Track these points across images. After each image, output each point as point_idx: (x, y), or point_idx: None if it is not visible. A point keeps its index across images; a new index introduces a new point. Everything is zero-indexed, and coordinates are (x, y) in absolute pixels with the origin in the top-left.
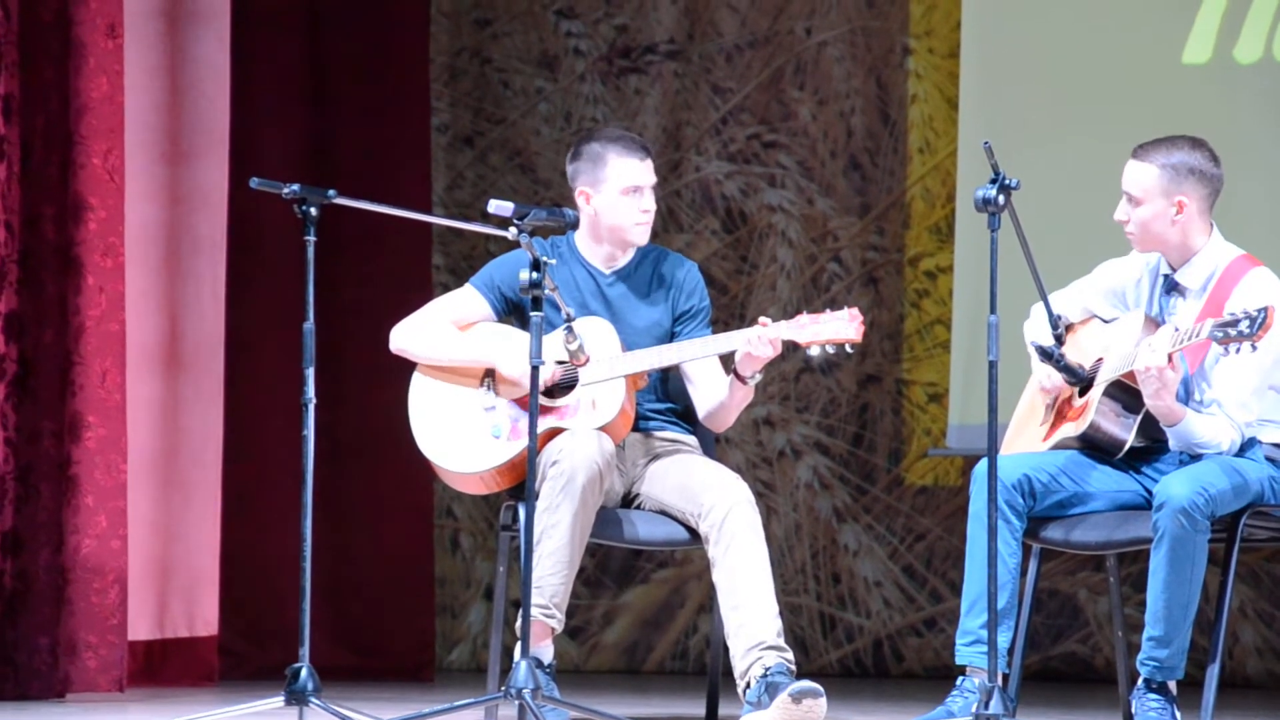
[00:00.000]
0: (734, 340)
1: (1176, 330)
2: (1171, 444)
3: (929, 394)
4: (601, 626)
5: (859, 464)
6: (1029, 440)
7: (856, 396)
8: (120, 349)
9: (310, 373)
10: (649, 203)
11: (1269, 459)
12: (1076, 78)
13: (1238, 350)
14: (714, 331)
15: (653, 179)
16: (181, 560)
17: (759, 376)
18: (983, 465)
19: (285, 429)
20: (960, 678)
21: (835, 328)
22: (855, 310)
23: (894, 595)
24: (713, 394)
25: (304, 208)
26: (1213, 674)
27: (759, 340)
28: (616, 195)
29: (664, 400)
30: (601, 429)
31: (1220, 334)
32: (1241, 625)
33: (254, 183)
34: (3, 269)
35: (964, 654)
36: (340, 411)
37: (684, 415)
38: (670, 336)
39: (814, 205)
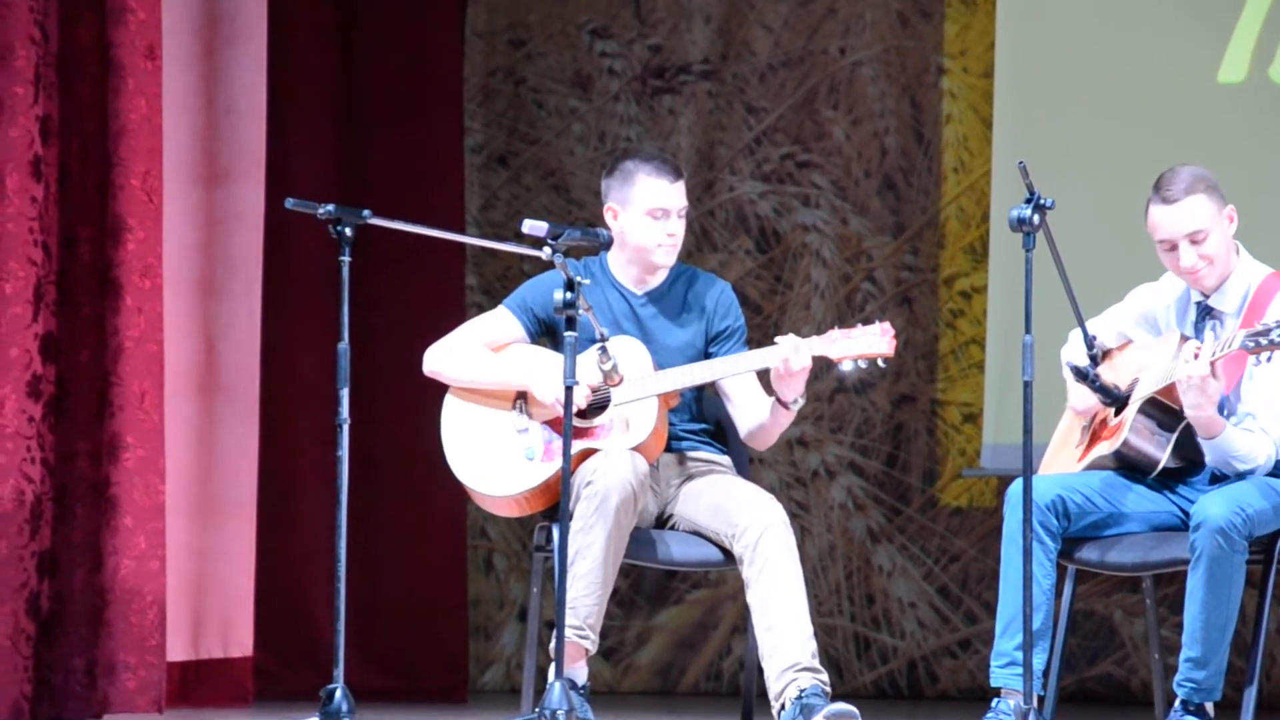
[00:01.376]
0: (766, 357)
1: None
2: (1208, 458)
3: (964, 414)
4: (635, 647)
5: (893, 484)
6: (1064, 462)
7: (891, 416)
8: (159, 370)
9: (345, 393)
10: (675, 226)
11: None
12: (1111, 97)
13: (1269, 359)
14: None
15: (682, 203)
16: (216, 581)
17: (801, 401)
18: (1017, 486)
19: (320, 449)
20: (995, 700)
21: (867, 342)
22: (887, 325)
23: (928, 616)
24: (753, 413)
25: (339, 228)
26: (1250, 696)
27: (792, 349)
28: (642, 215)
29: (698, 420)
30: (635, 449)
31: (1252, 343)
32: (1279, 647)
33: (289, 203)
34: (40, 290)
35: (998, 676)
36: (374, 432)
37: (717, 435)
38: (704, 357)
39: (848, 225)
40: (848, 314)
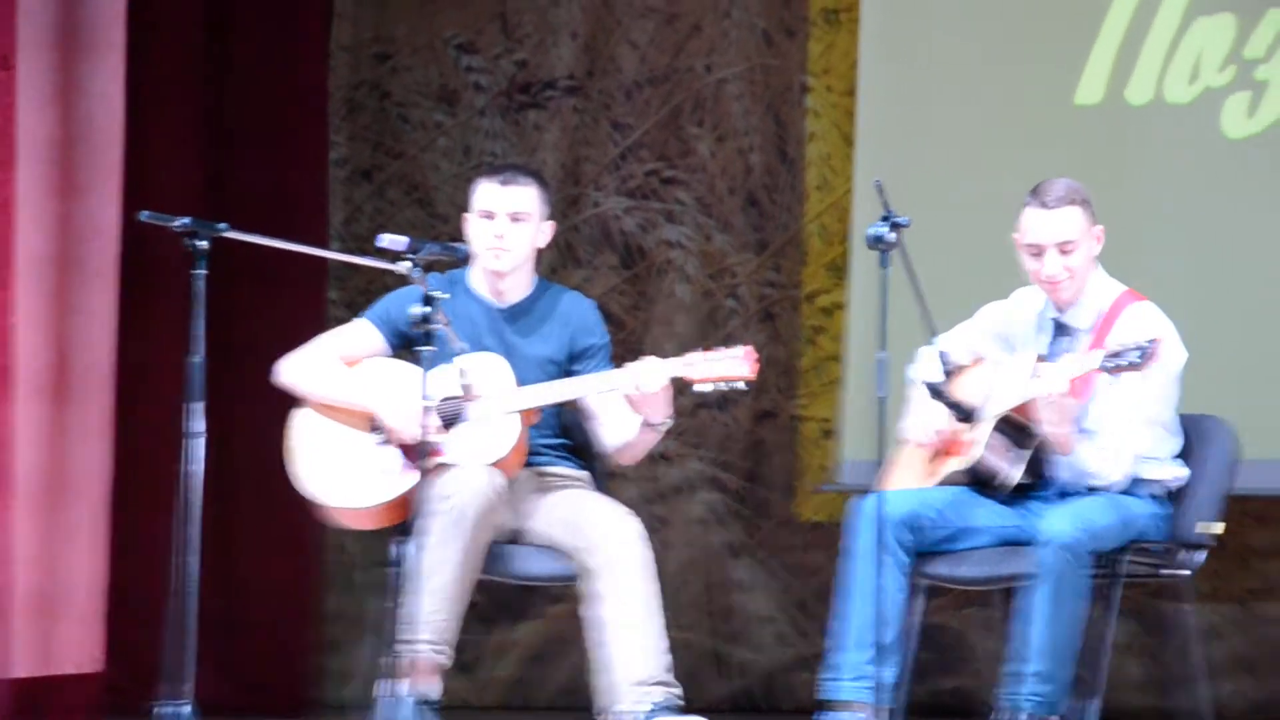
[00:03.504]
0: (624, 376)
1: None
2: (1063, 474)
3: (823, 430)
4: (492, 662)
5: (752, 499)
6: (916, 476)
7: (751, 432)
8: (5, 382)
9: (198, 407)
10: (500, 228)
11: (1152, 496)
12: (971, 116)
13: (1123, 379)
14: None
15: (511, 207)
16: (67, 595)
17: (669, 422)
18: (868, 502)
19: (174, 462)
20: (834, 713)
21: (728, 366)
22: (750, 349)
23: (786, 631)
24: (618, 431)
25: (194, 241)
26: (1094, 709)
27: (645, 372)
28: (476, 219)
29: (557, 436)
30: (494, 465)
31: (1110, 364)
32: (1126, 659)
33: (143, 216)
34: None
35: (847, 689)
36: (232, 445)
37: (576, 450)
38: (565, 374)
39: (711, 241)
40: (710, 330)
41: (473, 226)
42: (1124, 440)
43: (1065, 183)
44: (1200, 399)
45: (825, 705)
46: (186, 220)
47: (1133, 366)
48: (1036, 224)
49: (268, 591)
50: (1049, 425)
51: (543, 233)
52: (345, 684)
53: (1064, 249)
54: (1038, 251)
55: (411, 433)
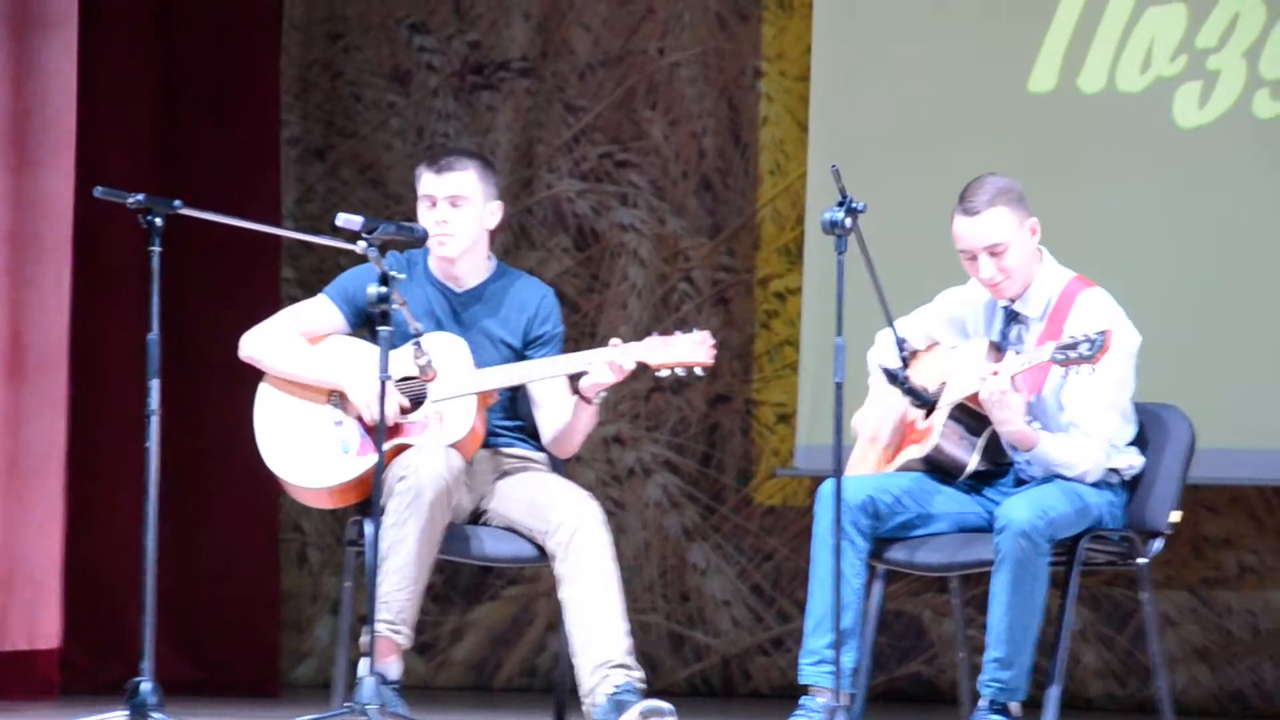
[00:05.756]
0: (584, 360)
1: (1018, 354)
2: (1035, 471)
3: (778, 414)
4: (450, 643)
5: (708, 483)
6: (874, 462)
7: (706, 416)
8: None
9: (155, 384)
10: (442, 214)
11: (1107, 484)
12: (925, 102)
13: (1077, 372)
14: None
15: (449, 191)
16: (22, 572)
17: (604, 396)
18: (828, 486)
19: (131, 440)
20: (804, 697)
21: (686, 351)
22: (706, 334)
23: (742, 614)
24: (558, 417)
25: (149, 218)
26: (1053, 696)
27: (612, 363)
28: (420, 207)
29: (513, 417)
30: (451, 446)
31: (1061, 356)
32: (1083, 648)
33: (98, 192)
34: None
35: (809, 673)
36: (187, 423)
37: (533, 432)
38: (519, 358)
39: (665, 225)
40: (664, 314)
41: (420, 212)
42: (1092, 428)
43: (991, 184)
44: (1152, 387)
45: (804, 690)
46: (140, 197)
47: (1084, 359)
48: (963, 231)
49: (224, 570)
50: (1000, 424)
51: (490, 214)
52: (301, 663)
53: (993, 251)
54: (971, 256)
55: (376, 408)
